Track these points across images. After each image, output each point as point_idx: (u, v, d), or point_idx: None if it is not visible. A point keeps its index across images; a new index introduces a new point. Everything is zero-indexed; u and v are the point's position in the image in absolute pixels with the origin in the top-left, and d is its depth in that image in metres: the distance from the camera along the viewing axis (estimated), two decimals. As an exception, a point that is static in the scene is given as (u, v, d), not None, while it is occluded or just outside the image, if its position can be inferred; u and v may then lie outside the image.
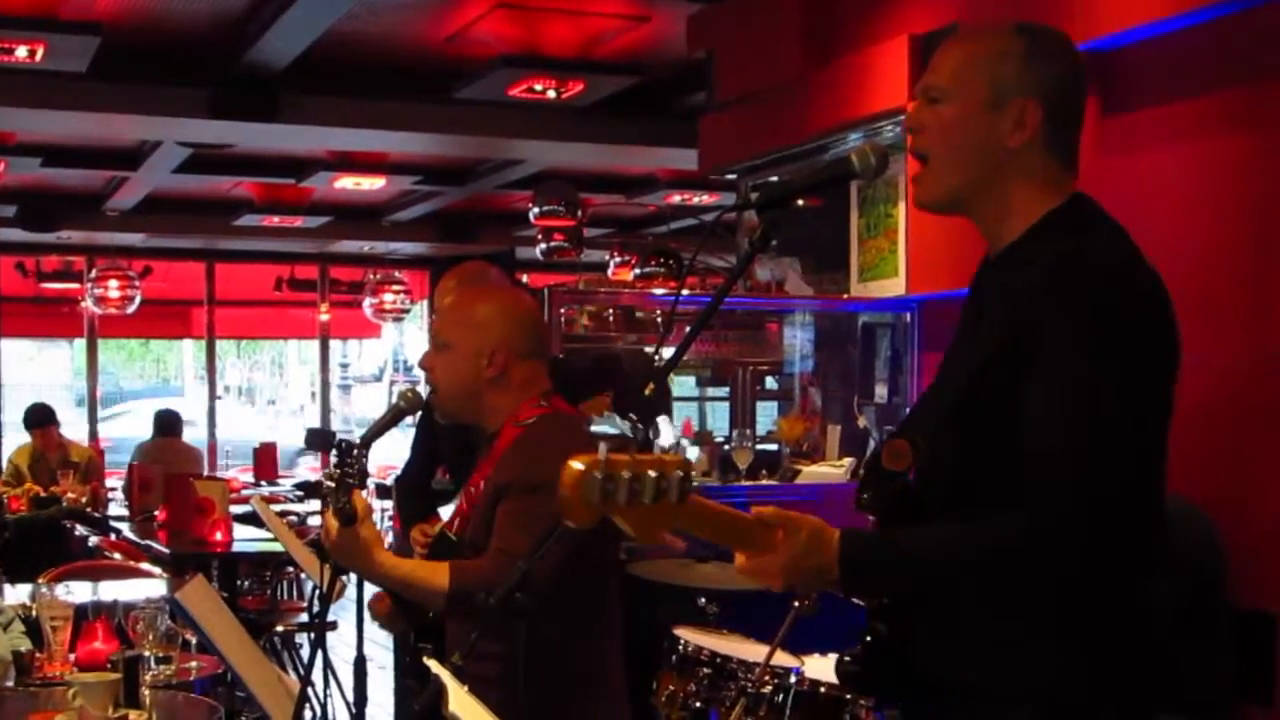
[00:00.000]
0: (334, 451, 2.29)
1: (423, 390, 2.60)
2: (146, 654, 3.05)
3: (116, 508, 7.70)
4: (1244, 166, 3.14)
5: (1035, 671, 1.70)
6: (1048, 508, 1.61)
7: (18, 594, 4.11)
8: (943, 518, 1.74)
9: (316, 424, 13.23)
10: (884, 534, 1.77)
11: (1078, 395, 1.62)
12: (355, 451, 2.27)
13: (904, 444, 1.75)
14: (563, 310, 4.48)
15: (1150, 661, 1.73)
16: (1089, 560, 1.61)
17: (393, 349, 20.67)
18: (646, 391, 1.74)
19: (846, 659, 1.81)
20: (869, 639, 1.79)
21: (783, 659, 2.68)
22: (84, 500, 7.58)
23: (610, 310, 4.82)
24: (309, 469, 12.27)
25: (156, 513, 6.54)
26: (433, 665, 1.69)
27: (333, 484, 2.27)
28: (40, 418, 8.15)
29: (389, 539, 9.74)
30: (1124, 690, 1.70)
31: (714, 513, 1.63)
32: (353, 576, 2.65)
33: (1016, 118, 1.77)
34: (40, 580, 4.61)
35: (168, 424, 8.87)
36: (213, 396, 12.91)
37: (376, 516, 11.61)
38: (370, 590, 2.73)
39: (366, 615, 2.70)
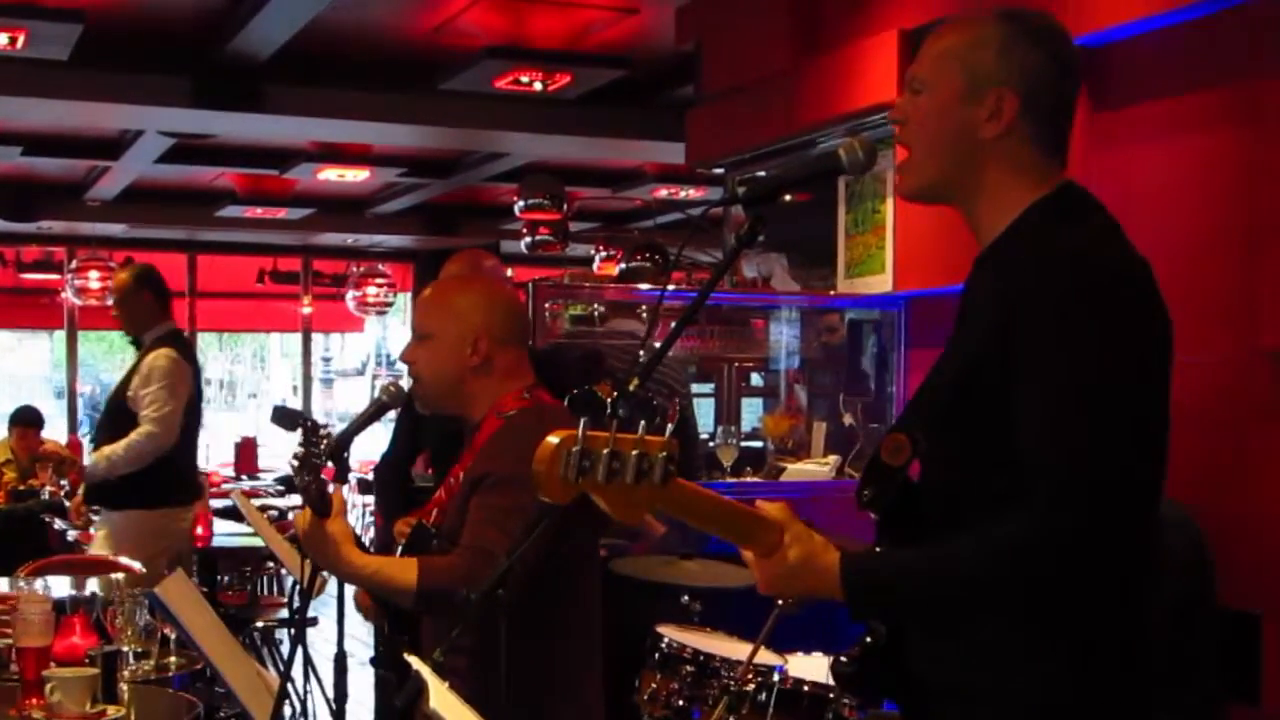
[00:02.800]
0: (300, 431, 2.27)
1: (405, 384, 2.57)
2: (125, 649, 3.02)
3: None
4: (1232, 162, 3.13)
5: (1031, 675, 1.68)
6: (1049, 508, 1.58)
7: (-6, 587, 4.06)
8: (943, 514, 1.71)
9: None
10: (886, 555, 1.74)
11: (1068, 392, 1.60)
12: (321, 430, 2.25)
13: (902, 437, 1.73)
14: (547, 305, 4.45)
15: (1144, 664, 1.71)
16: (1095, 558, 1.59)
17: (376, 342, 20.61)
18: (631, 387, 1.72)
19: (842, 659, 1.79)
20: (867, 640, 1.77)
21: (766, 657, 2.68)
22: (63, 493, 7.52)
23: (595, 305, 4.79)
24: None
25: (136, 506, 6.47)
26: (413, 661, 1.67)
27: (297, 462, 2.25)
28: (27, 418, 8.10)
29: (370, 534, 9.72)
30: (1119, 693, 1.68)
31: (704, 500, 1.61)
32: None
33: (993, 107, 1.75)
34: (18, 574, 4.57)
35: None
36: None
37: (358, 512, 11.52)
38: (351, 585, 2.70)
39: (347, 610, 2.68)
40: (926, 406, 1.81)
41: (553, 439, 1.43)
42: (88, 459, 5.15)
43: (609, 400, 1.47)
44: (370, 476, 8.78)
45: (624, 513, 1.48)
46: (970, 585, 1.64)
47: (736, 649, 2.81)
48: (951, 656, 1.73)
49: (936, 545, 1.68)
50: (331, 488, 2.31)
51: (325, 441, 2.27)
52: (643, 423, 1.47)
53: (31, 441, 8.04)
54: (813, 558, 1.66)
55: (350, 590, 2.73)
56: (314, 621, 5.64)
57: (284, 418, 2.49)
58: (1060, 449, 1.59)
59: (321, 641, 6.27)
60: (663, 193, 9.42)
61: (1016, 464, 1.63)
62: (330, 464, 2.33)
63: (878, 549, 1.77)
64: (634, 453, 1.45)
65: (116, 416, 5.12)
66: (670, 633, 2.90)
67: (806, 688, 2.59)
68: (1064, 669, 1.66)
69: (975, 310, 1.77)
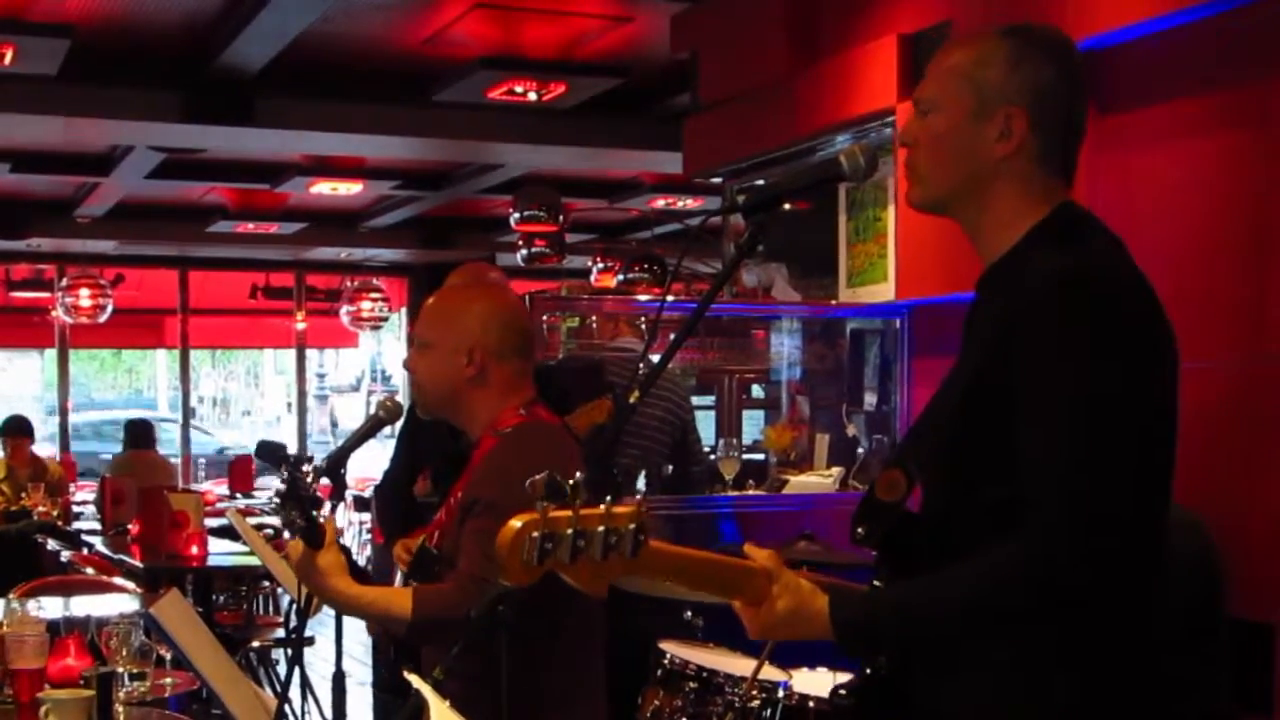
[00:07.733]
0: (283, 466, 2.26)
1: (402, 399, 2.55)
2: (120, 670, 2.99)
3: (89, 521, 7.60)
4: (1239, 165, 3.11)
5: (1037, 704, 1.66)
6: (1045, 533, 1.57)
7: (-13, 609, 4.02)
8: (943, 543, 1.69)
9: (293, 435, 13.13)
10: (876, 593, 1.73)
11: (1066, 423, 1.58)
12: (305, 466, 2.26)
13: (898, 474, 1.72)
14: (545, 317, 4.41)
15: (1153, 683, 1.69)
16: (1091, 585, 1.57)
17: (370, 358, 20.59)
18: (631, 399, 1.70)
19: (842, 691, 1.77)
20: (868, 672, 1.75)
21: (770, 673, 2.66)
22: (55, 514, 7.47)
23: (593, 317, 4.75)
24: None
25: (130, 526, 6.45)
26: (413, 680, 1.64)
27: (279, 500, 2.24)
28: (18, 427, 8.06)
29: (367, 551, 9.68)
30: (1129, 708, 1.66)
31: (685, 559, 1.59)
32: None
33: (1003, 126, 1.73)
34: (11, 595, 4.52)
35: (140, 436, 8.73)
36: (186, 408, 12.79)
37: (354, 530, 11.46)
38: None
39: (345, 630, 2.64)
40: (928, 435, 1.79)
41: (515, 522, 1.41)
42: None
43: (570, 484, 1.43)
44: (367, 493, 8.72)
45: (594, 586, 1.48)
46: (964, 618, 1.64)
47: (740, 665, 2.78)
48: (956, 681, 1.71)
49: (927, 579, 1.67)
50: (323, 516, 2.29)
51: (310, 475, 2.26)
52: (609, 497, 1.45)
53: (23, 451, 8.00)
54: (802, 606, 1.66)
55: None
56: (311, 641, 5.60)
57: (268, 453, 2.47)
58: (1056, 481, 1.58)
59: (319, 661, 6.23)
60: (660, 203, 9.41)
61: (1012, 490, 1.61)
62: (327, 480, 2.31)
63: (874, 583, 1.75)
64: (600, 529, 1.43)
65: None
66: (673, 649, 2.87)
67: (811, 704, 2.58)
68: (1072, 685, 1.64)
69: (978, 335, 1.76)
